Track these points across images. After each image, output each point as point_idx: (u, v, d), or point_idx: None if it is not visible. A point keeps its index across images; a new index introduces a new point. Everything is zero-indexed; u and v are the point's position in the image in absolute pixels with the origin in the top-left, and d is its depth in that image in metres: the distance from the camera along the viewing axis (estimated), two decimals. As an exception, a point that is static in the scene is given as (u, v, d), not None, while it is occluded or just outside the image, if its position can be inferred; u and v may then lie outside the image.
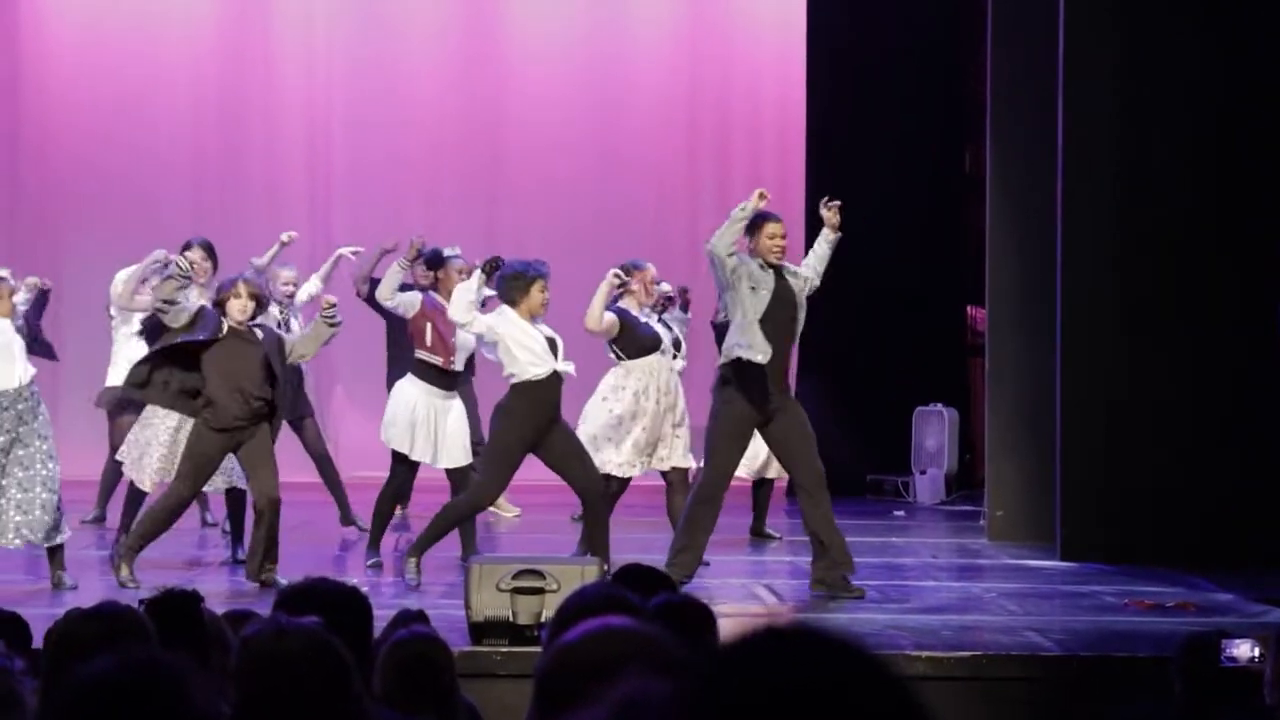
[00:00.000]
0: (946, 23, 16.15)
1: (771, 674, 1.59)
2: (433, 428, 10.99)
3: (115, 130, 16.64)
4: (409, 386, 11.03)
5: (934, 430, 15.51)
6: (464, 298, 10.12)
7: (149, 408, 11.04)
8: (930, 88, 16.24)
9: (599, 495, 10.47)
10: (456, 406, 11.12)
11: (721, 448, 10.01)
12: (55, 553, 10.01)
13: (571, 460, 10.35)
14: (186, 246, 11.88)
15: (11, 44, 16.87)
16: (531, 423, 10.18)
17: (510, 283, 10.23)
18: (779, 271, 9.99)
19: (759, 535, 12.69)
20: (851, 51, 16.12)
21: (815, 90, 16.24)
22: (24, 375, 10.03)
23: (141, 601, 5.12)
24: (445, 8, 17.17)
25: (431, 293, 10.99)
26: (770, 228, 9.97)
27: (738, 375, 9.88)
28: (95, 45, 16.79)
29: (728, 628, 5.06)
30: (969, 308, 16.09)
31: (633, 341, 11.37)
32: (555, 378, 10.22)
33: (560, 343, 10.29)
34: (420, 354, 10.99)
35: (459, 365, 11.08)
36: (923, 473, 15.47)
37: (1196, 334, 11.54)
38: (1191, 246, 11.55)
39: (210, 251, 11.77)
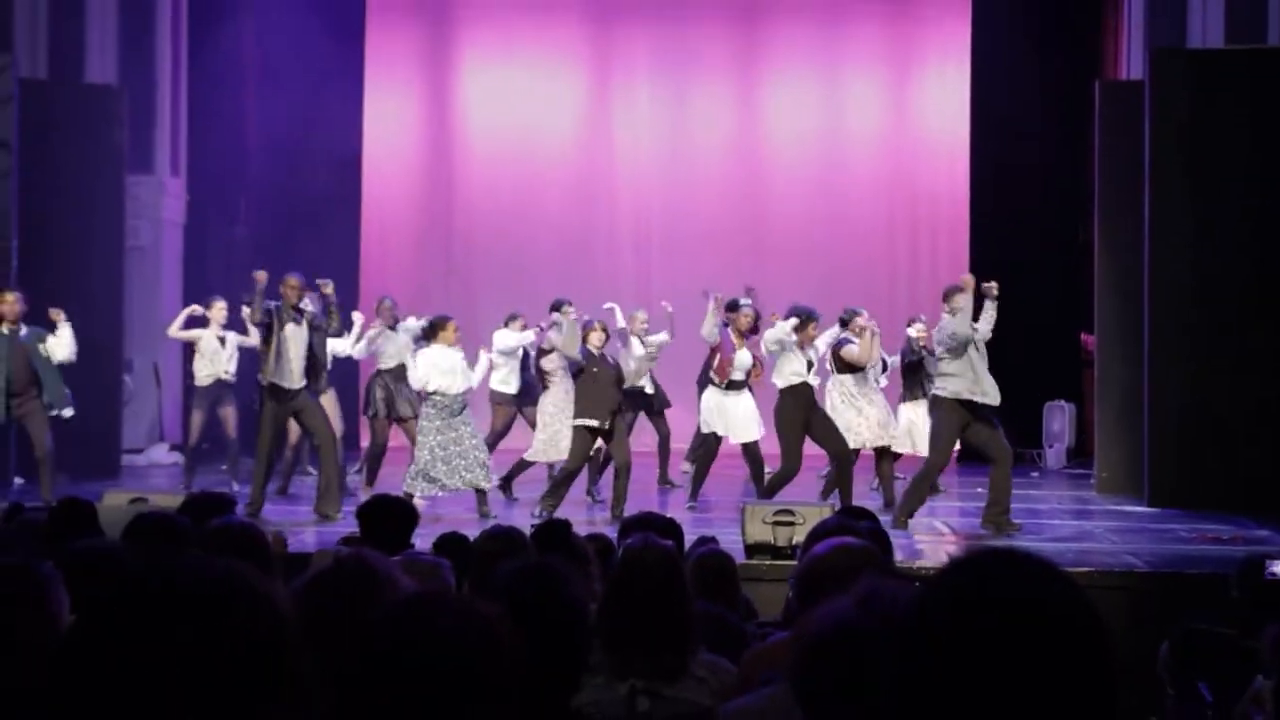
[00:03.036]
0: (1067, 136, 15.77)
1: (989, 585, 1.48)
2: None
3: (516, 210, 16.52)
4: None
5: (1058, 418, 15.25)
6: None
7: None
8: (1057, 181, 15.91)
9: (847, 459, 10.41)
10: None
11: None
12: (481, 495, 10.46)
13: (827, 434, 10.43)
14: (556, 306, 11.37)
15: (448, 151, 16.91)
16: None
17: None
18: None
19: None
20: (1001, 155, 15.86)
21: (976, 181, 16.02)
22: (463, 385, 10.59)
23: (532, 526, 5.26)
24: (724, 114, 16.89)
25: (726, 328, 10.93)
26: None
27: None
28: (501, 144, 16.65)
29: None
30: (1082, 334, 15.71)
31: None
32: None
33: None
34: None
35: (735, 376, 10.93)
36: (1050, 447, 15.18)
37: (1248, 356, 11.18)
38: (1246, 311, 11.20)
39: None
